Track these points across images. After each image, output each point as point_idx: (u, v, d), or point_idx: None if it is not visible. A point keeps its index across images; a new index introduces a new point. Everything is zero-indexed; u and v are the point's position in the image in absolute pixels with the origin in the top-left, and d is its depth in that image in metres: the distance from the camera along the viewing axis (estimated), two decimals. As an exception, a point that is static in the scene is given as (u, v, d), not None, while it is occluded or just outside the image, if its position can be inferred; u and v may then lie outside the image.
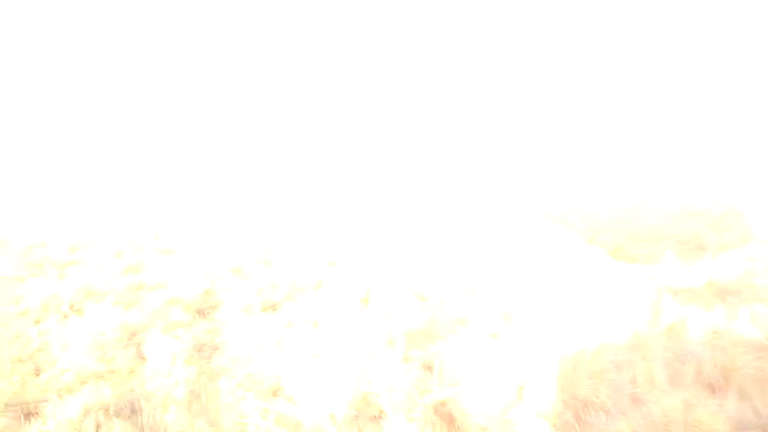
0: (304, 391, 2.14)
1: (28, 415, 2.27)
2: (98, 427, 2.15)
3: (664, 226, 8.33)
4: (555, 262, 4.90)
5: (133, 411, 2.31)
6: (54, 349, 2.79)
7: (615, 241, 7.18)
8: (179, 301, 3.50)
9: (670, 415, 2.32)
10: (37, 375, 2.59)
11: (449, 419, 2.19)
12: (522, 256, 4.97)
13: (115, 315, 3.21)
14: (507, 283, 3.94)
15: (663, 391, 2.59)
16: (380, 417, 2.19)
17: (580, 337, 3.02)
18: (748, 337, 3.37)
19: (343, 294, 3.44)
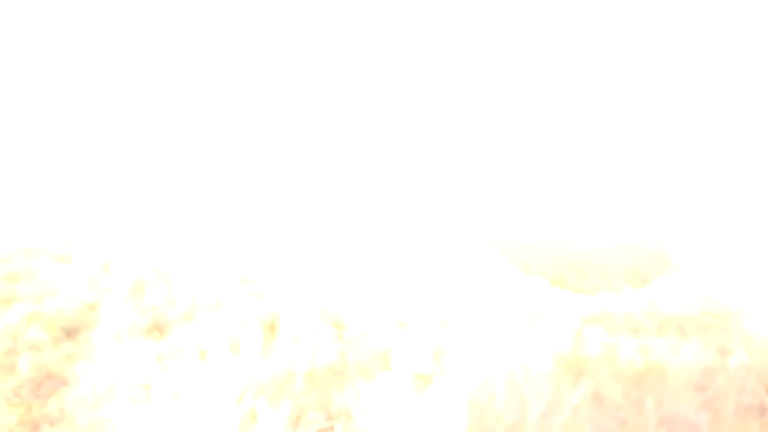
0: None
1: None
2: None
3: (604, 258, 8.16)
4: (491, 293, 4.48)
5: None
6: None
7: (555, 271, 6.89)
8: (41, 317, 2.88)
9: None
10: None
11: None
12: (456, 283, 4.49)
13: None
14: (439, 314, 3.46)
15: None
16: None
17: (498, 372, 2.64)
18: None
19: (247, 317, 2.90)
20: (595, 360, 3.00)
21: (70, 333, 2.99)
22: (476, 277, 4.85)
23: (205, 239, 6.44)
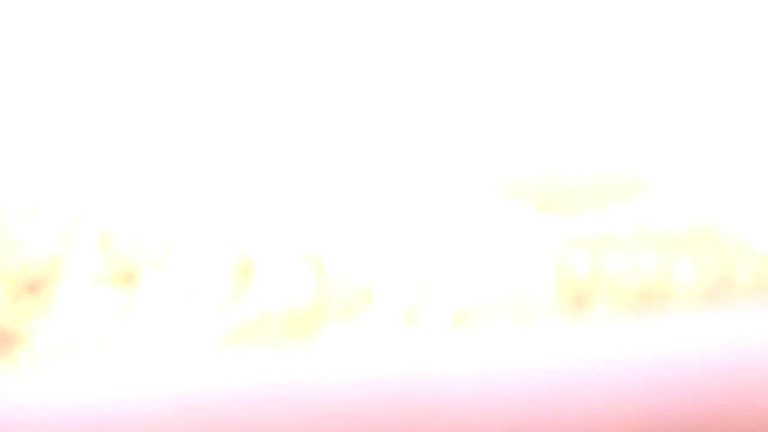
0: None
1: None
2: None
3: (587, 184, 8.04)
4: (477, 222, 4.33)
5: None
6: None
7: (541, 198, 6.77)
8: (1, 273, 2.70)
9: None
10: None
11: None
12: (442, 215, 4.33)
13: None
14: (424, 246, 3.31)
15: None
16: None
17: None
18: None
19: (220, 261, 2.73)
20: (586, 281, 2.89)
21: (32, 287, 2.82)
22: (461, 208, 4.68)
23: (181, 193, 6.21)
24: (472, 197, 5.63)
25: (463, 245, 3.71)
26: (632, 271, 3.33)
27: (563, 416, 0.38)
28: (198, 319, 2.07)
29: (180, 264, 2.84)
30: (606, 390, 0.41)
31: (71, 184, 5.81)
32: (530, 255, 3.63)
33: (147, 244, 3.39)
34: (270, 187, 4.49)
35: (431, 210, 4.75)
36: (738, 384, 0.41)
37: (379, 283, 2.62)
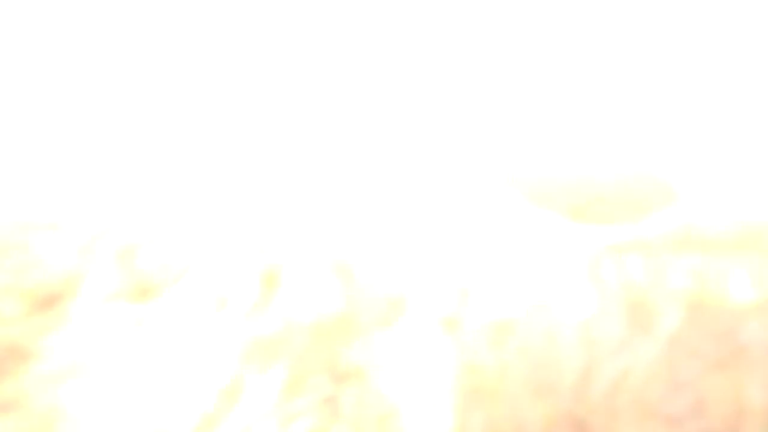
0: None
1: None
2: None
3: (616, 188, 7.84)
4: (508, 229, 4.16)
5: None
6: None
7: (571, 203, 6.60)
8: (16, 289, 2.58)
9: None
10: None
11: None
12: (470, 222, 4.18)
13: None
14: (455, 254, 3.13)
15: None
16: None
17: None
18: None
19: (244, 271, 2.57)
20: (646, 288, 2.68)
21: (47, 303, 2.70)
22: (490, 214, 4.52)
23: (203, 205, 6.13)
24: (504, 204, 5.46)
25: (498, 252, 3.54)
26: (686, 277, 3.12)
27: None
28: (222, 331, 1.92)
29: (203, 275, 2.70)
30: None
31: (92, 199, 5.75)
32: (568, 262, 3.45)
33: (169, 257, 3.26)
34: (296, 194, 4.36)
35: (463, 217, 4.59)
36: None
37: (411, 292, 2.45)
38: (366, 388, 1.59)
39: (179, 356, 1.70)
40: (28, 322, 2.20)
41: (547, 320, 2.17)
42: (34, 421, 1.54)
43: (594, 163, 9.61)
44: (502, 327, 2.03)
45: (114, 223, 4.40)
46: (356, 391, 1.59)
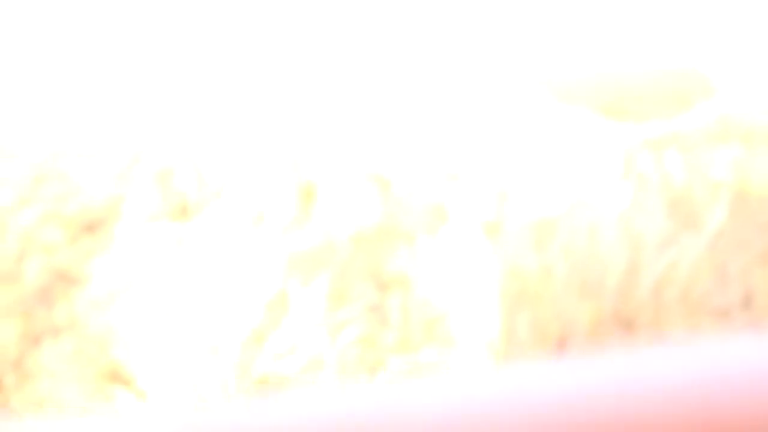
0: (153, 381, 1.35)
1: None
2: None
3: (650, 84, 7.57)
4: (541, 130, 4.09)
5: None
6: None
7: (604, 100, 6.44)
8: (58, 215, 2.62)
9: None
10: None
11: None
12: (503, 126, 4.11)
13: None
14: (492, 159, 3.08)
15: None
16: None
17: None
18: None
19: (280, 185, 2.56)
20: (687, 183, 2.61)
21: (90, 228, 2.74)
22: (523, 116, 4.43)
23: (238, 120, 6.08)
24: (536, 105, 5.35)
25: (533, 153, 3.46)
26: (727, 169, 3.03)
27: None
28: (262, 246, 1.93)
29: (240, 192, 2.71)
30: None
31: (127, 125, 5.76)
32: (604, 159, 3.38)
33: (206, 176, 3.27)
34: (329, 104, 4.31)
35: (497, 120, 4.49)
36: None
37: (451, 199, 2.42)
38: (412, 295, 1.59)
39: (222, 272, 1.72)
40: (73, 247, 2.24)
41: (589, 219, 2.13)
42: (88, 344, 1.58)
43: (626, 59, 9.26)
44: (543, 227, 2.00)
45: (150, 148, 4.41)
46: (402, 298, 1.60)
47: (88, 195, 3.05)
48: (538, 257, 1.81)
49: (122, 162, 4.01)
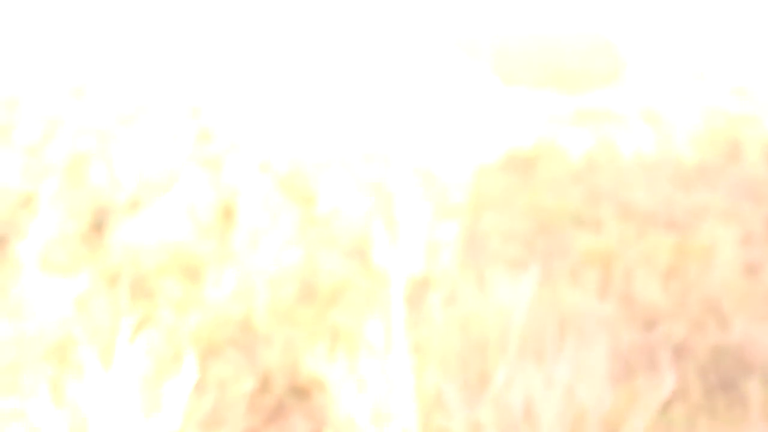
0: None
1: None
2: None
3: (552, 56, 7.77)
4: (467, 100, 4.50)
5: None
6: None
7: (534, 74, 6.76)
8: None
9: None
10: None
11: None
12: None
13: None
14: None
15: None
16: None
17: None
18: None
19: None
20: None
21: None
22: (447, 84, 4.85)
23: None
24: (459, 71, 5.48)
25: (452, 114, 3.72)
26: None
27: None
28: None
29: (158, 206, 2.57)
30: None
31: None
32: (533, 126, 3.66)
33: (121, 172, 3.09)
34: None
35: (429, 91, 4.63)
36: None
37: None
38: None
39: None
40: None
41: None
42: None
43: (556, 32, 9.40)
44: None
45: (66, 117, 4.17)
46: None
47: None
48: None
49: (31, 142, 3.78)
